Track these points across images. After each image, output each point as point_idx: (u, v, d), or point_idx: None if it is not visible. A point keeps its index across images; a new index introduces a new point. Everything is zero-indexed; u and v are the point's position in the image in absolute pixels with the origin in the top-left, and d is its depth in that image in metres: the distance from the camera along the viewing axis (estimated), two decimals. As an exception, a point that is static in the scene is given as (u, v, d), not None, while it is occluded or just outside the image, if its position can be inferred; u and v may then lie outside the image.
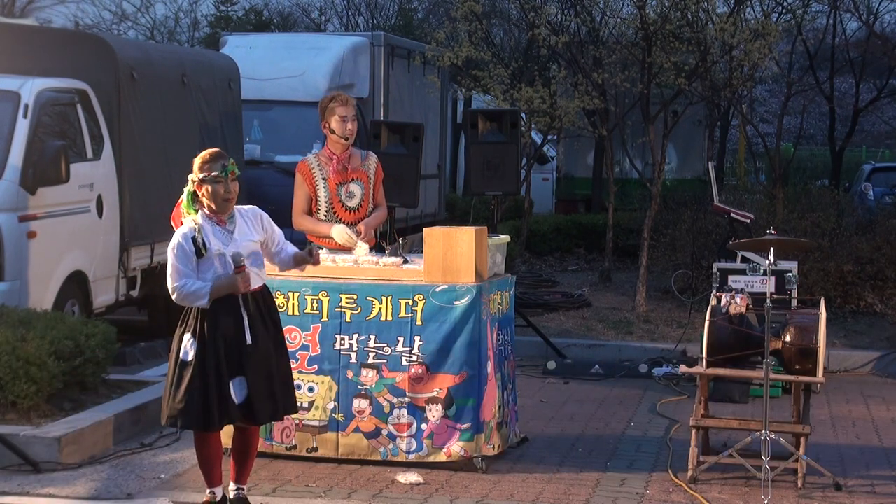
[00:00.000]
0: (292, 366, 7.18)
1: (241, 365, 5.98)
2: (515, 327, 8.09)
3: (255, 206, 6.27)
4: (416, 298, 7.13)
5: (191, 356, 5.95)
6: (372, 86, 15.47)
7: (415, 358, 7.13)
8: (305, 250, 7.14)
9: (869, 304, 12.42)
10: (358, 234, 7.58)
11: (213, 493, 6.24)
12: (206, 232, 5.98)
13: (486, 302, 7.19)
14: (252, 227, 6.14)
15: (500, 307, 7.50)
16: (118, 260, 10.51)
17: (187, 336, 5.98)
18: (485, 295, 7.18)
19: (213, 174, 5.99)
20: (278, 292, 7.25)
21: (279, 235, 6.29)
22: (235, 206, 6.12)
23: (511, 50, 19.52)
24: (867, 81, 21.44)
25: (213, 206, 6.01)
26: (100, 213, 10.12)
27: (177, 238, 5.99)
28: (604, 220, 16.09)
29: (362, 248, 7.48)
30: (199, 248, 5.93)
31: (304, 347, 7.25)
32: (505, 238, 7.89)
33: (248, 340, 5.98)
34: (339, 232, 7.56)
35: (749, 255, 9.95)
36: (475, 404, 7.11)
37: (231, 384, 5.95)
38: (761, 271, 7.08)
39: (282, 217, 12.67)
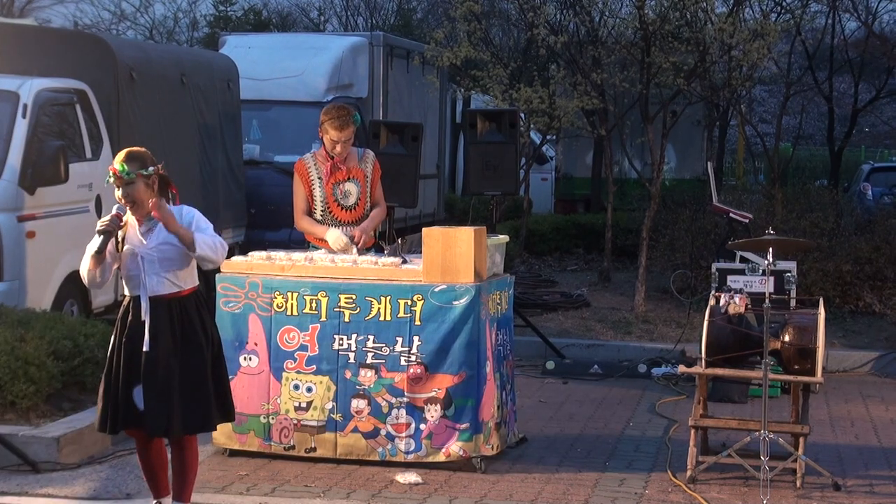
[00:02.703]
0: (290, 366, 7.21)
1: (140, 372, 5.80)
2: (514, 327, 8.09)
3: (186, 208, 5.95)
4: (414, 298, 7.13)
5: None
6: (371, 86, 15.46)
7: (413, 358, 7.13)
8: (308, 254, 7.18)
9: (868, 304, 12.43)
10: (352, 238, 7.58)
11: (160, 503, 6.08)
12: (131, 229, 5.87)
13: (484, 302, 7.18)
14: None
15: (499, 307, 7.50)
16: (117, 260, 10.51)
17: (112, 338, 5.95)
18: (484, 295, 7.17)
19: (108, 179, 5.86)
20: (277, 292, 7.26)
21: (203, 229, 5.89)
22: (173, 206, 5.89)
23: (510, 50, 19.51)
24: (866, 81, 21.47)
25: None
26: (99, 212, 10.11)
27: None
28: (603, 220, 16.10)
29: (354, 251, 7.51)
30: (118, 242, 5.84)
31: (303, 347, 7.25)
32: (504, 238, 7.89)
33: (146, 347, 5.78)
34: (336, 239, 7.57)
35: (748, 255, 9.95)
36: (474, 404, 7.11)
37: (134, 391, 5.78)
38: (760, 271, 7.08)
39: (279, 217, 12.82)
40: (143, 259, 5.83)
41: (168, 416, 5.77)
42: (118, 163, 5.83)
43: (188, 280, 5.90)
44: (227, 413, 6.06)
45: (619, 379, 10.21)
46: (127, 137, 10.66)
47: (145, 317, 5.80)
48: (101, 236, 5.77)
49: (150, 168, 5.84)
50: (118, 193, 5.83)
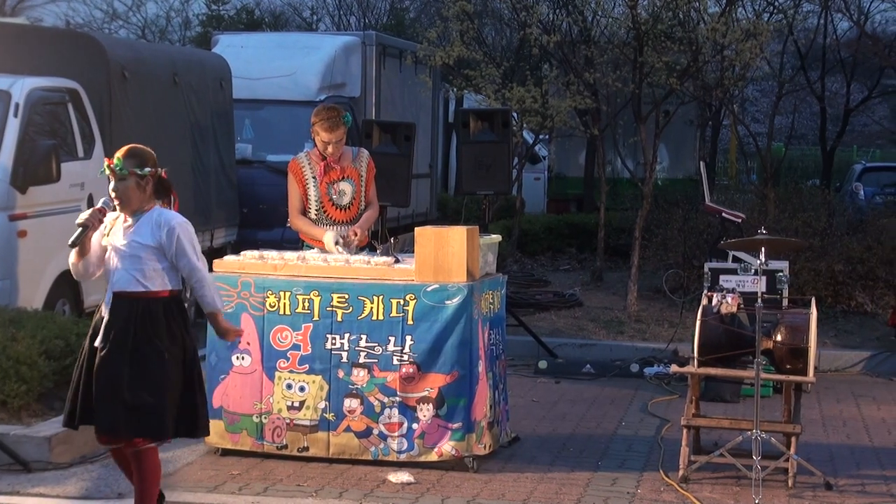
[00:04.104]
0: (283, 365, 7.20)
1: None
2: (507, 327, 8.08)
3: (176, 218, 5.77)
4: (407, 298, 7.12)
5: None
6: (363, 85, 15.46)
7: (406, 357, 7.12)
8: (300, 254, 7.13)
9: (860, 304, 12.44)
10: (354, 234, 7.60)
11: None
12: (119, 223, 5.81)
13: (477, 301, 7.18)
14: (150, 231, 5.73)
15: (492, 307, 7.50)
16: (109, 259, 10.50)
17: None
18: (476, 294, 7.17)
19: (102, 170, 5.80)
20: (269, 291, 7.25)
21: (185, 263, 5.74)
22: (160, 210, 5.79)
23: (503, 49, 19.51)
24: (858, 81, 21.50)
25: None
26: (91, 212, 10.11)
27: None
28: (595, 219, 16.11)
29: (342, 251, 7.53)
30: (106, 236, 5.79)
31: (296, 347, 7.24)
32: (496, 237, 7.89)
33: (97, 343, 5.69)
34: (329, 242, 7.56)
35: (740, 254, 9.96)
36: (466, 404, 7.11)
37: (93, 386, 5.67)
38: (752, 271, 7.08)
39: (271, 216, 12.81)
40: (116, 253, 5.76)
41: (114, 416, 5.62)
42: (116, 156, 5.79)
43: (157, 282, 5.72)
44: (194, 427, 5.83)
45: (611, 378, 10.21)
46: (119, 137, 10.65)
47: (105, 312, 5.74)
48: (79, 228, 5.71)
49: (146, 169, 5.76)
50: (110, 187, 5.79)
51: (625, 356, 10.81)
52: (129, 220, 5.80)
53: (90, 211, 5.77)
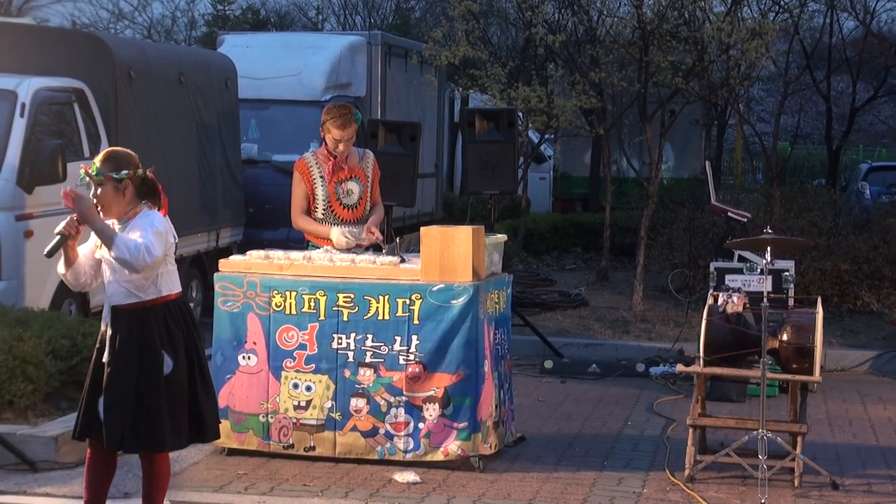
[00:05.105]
0: (289, 365, 7.21)
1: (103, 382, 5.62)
2: (513, 326, 8.08)
3: (150, 217, 5.59)
4: (413, 297, 7.13)
5: None
6: (369, 85, 15.47)
7: (412, 357, 7.13)
8: (306, 253, 7.12)
9: (866, 304, 12.43)
10: (372, 234, 7.64)
11: None
12: None
13: (483, 301, 7.18)
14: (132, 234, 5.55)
15: (497, 306, 7.50)
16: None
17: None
18: (482, 294, 7.18)
19: (81, 178, 5.63)
20: (275, 291, 7.25)
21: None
22: (147, 213, 5.61)
23: (508, 49, 19.52)
24: (864, 81, 21.49)
25: None
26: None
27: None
28: (601, 219, 16.11)
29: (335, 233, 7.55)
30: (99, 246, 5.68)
31: (302, 346, 7.25)
32: (502, 237, 7.89)
33: (105, 358, 5.58)
34: (338, 237, 7.57)
35: (746, 254, 9.95)
36: (472, 403, 7.11)
37: (100, 400, 5.58)
38: (758, 270, 7.08)
39: (277, 216, 12.83)
40: (108, 265, 5.63)
41: (122, 429, 5.54)
42: (93, 162, 5.65)
43: (150, 290, 5.58)
44: (203, 433, 5.76)
45: (617, 378, 10.20)
46: (125, 136, 10.67)
47: (106, 327, 5.64)
48: (57, 237, 5.54)
49: (123, 172, 5.57)
50: (90, 193, 5.63)
51: (630, 356, 10.81)
52: (118, 227, 5.62)
53: (68, 219, 5.56)
